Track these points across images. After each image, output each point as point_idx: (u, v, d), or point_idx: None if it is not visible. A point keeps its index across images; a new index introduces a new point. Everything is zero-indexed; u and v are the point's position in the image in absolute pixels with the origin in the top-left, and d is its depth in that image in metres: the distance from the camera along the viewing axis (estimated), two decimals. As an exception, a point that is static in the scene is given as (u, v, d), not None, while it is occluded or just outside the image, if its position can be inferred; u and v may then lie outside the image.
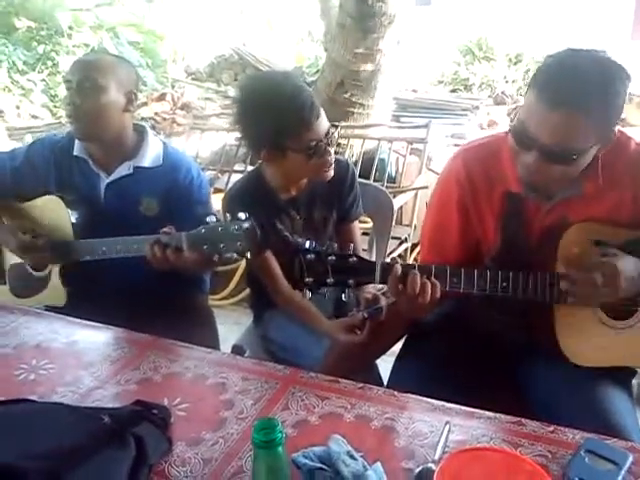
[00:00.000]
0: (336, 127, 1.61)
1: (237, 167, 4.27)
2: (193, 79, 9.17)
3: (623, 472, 1.02)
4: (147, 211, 1.80)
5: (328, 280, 1.30)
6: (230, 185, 2.91)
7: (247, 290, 2.41)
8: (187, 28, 9.53)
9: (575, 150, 1.24)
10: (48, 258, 1.79)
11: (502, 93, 7.75)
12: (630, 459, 1.05)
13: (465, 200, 1.47)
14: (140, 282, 1.68)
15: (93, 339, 1.53)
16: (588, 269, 1.29)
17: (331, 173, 1.61)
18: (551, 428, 1.15)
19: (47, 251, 1.76)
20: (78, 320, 1.59)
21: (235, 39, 9.34)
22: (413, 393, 1.28)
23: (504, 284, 1.33)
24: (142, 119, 6.50)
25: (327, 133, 1.56)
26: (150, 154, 1.83)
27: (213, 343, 1.88)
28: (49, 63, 7.79)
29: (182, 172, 1.84)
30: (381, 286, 1.70)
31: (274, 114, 1.51)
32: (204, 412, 1.22)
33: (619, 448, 1.08)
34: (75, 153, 1.82)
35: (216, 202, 2.01)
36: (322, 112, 1.56)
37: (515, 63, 8.65)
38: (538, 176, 1.29)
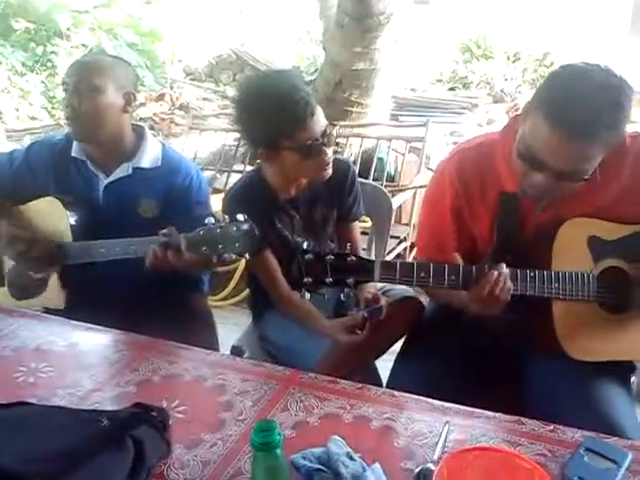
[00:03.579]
0: (334, 126, 1.60)
1: (236, 167, 4.27)
2: (191, 79, 9.17)
3: (622, 470, 1.03)
4: (146, 212, 1.80)
5: (327, 280, 1.29)
6: (229, 185, 2.91)
7: (246, 291, 2.41)
8: (185, 29, 9.54)
9: (588, 171, 1.27)
10: (47, 260, 1.79)
11: (501, 91, 7.75)
12: (629, 458, 1.05)
13: (458, 203, 1.48)
14: (139, 284, 1.68)
15: (92, 341, 1.53)
16: None
17: (329, 172, 1.61)
18: (551, 427, 1.15)
19: (44, 256, 1.76)
20: (77, 322, 1.59)
21: (234, 39, 9.34)
22: (413, 392, 1.28)
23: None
24: (141, 120, 6.50)
25: (324, 132, 1.55)
26: (149, 155, 1.83)
27: (212, 344, 1.88)
28: (48, 64, 7.78)
29: (181, 173, 1.84)
30: (381, 285, 1.70)
31: (268, 113, 1.51)
32: (203, 414, 1.22)
33: (619, 447, 1.09)
34: (73, 154, 1.82)
35: (215, 203, 2.01)
36: (318, 111, 1.55)
37: (514, 61, 8.64)
38: (545, 192, 1.31)
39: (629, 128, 1.36)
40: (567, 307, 1.38)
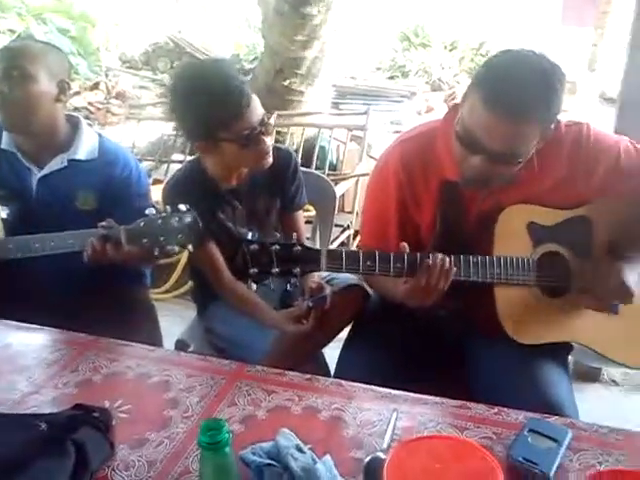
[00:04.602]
0: (271, 114, 1.58)
1: (175, 157, 4.19)
2: (128, 67, 8.94)
3: (563, 449, 1.06)
4: (83, 205, 1.74)
5: (273, 270, 1.28)
6: (169, 176, 2.83)
7: (190, 283, 2.37)
8: (120, 15, 9.26)
9: (522, 154, 1.30)
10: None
11: (439, 80, 7.89)
12: (569, 435, 1.09)
13: (401, 192, 1.49)
14: (77, 279, 1.63)
15: (27, 341, 1.47)
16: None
17: (269, 161, 1.59)
18: (495, 410, 1.18)
19: None
20: (10, 322, 1.52)
21: (171, 26, 9.14)
22: (360, 380, 1.29)
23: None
24: (75, 109, 6.29)
25: (262, 121, 1.53)
26: (85, 146, 1.77)
27: (156, 339, 1.84)
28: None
29: (119, 164, 1.78)
30: (326, 274, 1.70)
31: (202, 105, 1.47)
32: (148, 412, 1.18)
33: (559, 425, 1.12)
34: (3, 146, 1.74)
35: (155, 193, 1.96)
36: (254, 100, 1.53)
37: (451, 50, 8.80)
38: (483, 176, 1.34)
39: (562, 117, 1.40)
40: (508, 292, 1.42)
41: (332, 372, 1.62)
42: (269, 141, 1.57)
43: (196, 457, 1.04)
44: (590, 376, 2.65)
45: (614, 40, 7.33)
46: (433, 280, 1.31)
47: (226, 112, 1.48)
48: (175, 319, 2.40)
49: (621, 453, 1.07)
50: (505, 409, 1.18)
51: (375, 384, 1.27)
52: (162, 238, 1.38)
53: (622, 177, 1.43)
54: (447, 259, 1.32)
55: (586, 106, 6.47)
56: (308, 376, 1.30)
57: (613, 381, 2.67)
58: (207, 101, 1.47)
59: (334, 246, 3.24)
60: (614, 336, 1.45)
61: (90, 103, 7.17)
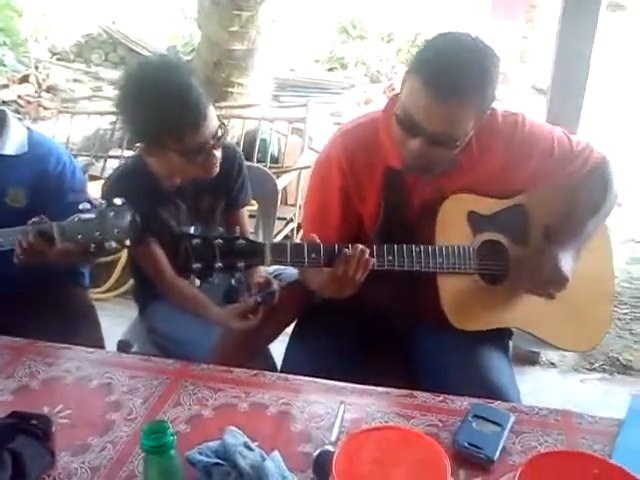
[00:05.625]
0: (224, 126, 1.51)
1: (113, 152, 4.07)
2: (59, 59, 8.63)
3: (506, 432, 1.09)
4: (13, 202, 1.67)
5: (216, 265, 1.25)
6: (106, 172, 2.74)
7: (131, 281, 2.31)
8: (50, 4, 8.92)
9: (460, 136, 1.32)
10: None
11: (377, 71, 7.96)
12: (512, 419, 1.12)
13: (345, 183, 1.49)
14: (9, 279, 1.55)
15: (-43, 348, 1.40)
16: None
17: (215, 172, 1.54)
18: (440, 397, 1.20)
19: None
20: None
21: (104, 17, 8.86)
22: (307, 374, 1.29)
23: (390, 257, 1.36)
24: (3, 103, 6.04)
25: (214, 134, 1.47)
26: (13, 141, 1.69)
27: (96, 340, 1.79)
28: None
29: (52, 159, 1.72)
30: (273, 268, 1.69)
31: (156, 111, 1.40)
32: (89, 417, 1.15)
33: (502, 410, 1.15)
34: None
35: (92, 190, 1.90)
36: (210, 112, 1.45)
37: (388, 42, 8.88)
38: (422, 160, 1.35)
39: (498, 107, 1.43)
40: (451, 280, 1.44)
41: (279, 367, 1.61)
42: (218, 154, 1.51)
43: (142, 460, 1.01)
44: (530, 359, 2.74)
45: (543, 33, 7.57)
46: (351, 270, 1.31)
47: (180, 125, 1.41)
48: (116, 319, 2.33)
49: (559, 433, 1.11)
50: (450, 396, 1.20)
51: (322, 377, 1.27)
52: (98, 234, 1.32)
53: (556, 165, 1.48)
54: (367, 250, 1.32)
55: (519, 96, 6.66)
56: (254, 372, 1.29)
57: (552, 363, 2.78)
58: (161, 109, 1.39)
59: (278, 239, 3.22)
60: (551, 321, 1.49)
61: (20, 96, 6.89)
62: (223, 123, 1.51)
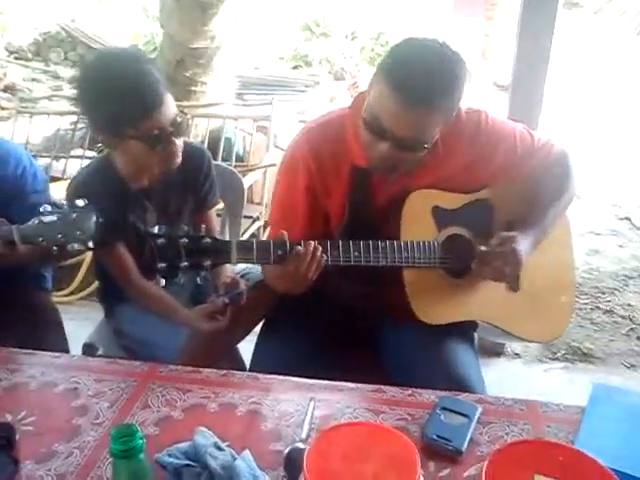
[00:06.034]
0: (185, 114, 1.51)
1: (74, 152, 3.99)
2: (16, 58, 8.41)
3: (474, 424, 1.11)
4: (-29, 206, 1.62)
5: (182, 264, 1.24)
6: (67, 173, 2.69)
7: (96, 283, 2.27)
8: (5, 1, 8.69)
9: (428, 140, 1.34)
10: None
11: (341, 69, 7.97)
12: (479, 410, 1.14)
13: (312, 181, 1.49)
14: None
15: None
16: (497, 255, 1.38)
17: (177, 162, 1.52)
18: (409, 391, 1.21)
19: None
20: None
21: (62, 15, 8.67)
22: (276, 372, 1.29)
23: (356, 253, 1.37)
24: (-42, 104, 5.87)
25: (173, 122, 1.46)
26: (-32, 144, 1.64)
27: (61, 344, 1.76)
28: None
29: (11, 162, 1.67)
30: (240, 268, 1.68)
31: (111, 99, 1.39)
32: (55, 423, 1.13)
33: (469, 402, 1.17)
34: None
35: (54, 192, 1.86)
36: (168, 99, 1.45)
37: (352, 39, 8.90)
38: (390, 162, 1.36)
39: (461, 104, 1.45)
40: (416, 274, 1.45)
41: (248, 366, 1.61)
42: (179, 142, 1.50)
43: (110, 465, 1.00)
44: (495, 351, 2.79)
45: (504, 30, 7.69)
46: (302, 267, 1.31)
47: (134, 110, 1.40)
48: (81, 322, 2.30)
49: (525, 422, 1.14)
50: (418, 390, 1.21)
51: (291, 374, 1.27)
52: (60, 236, 1.29)
53: (518, 161, 1.51)
54: (320, 248, 1.33)
55: (481, 93, 6.75)
56: (223, 372, 1.28)
57: (516, 354, 2.83)
58: (116, 95, 1.39)
59: (245, 238, 3.21)
60: (515, 312, 1.52)
61: (-25, 97, 6.70)
62: (183, 112, 1.49)
